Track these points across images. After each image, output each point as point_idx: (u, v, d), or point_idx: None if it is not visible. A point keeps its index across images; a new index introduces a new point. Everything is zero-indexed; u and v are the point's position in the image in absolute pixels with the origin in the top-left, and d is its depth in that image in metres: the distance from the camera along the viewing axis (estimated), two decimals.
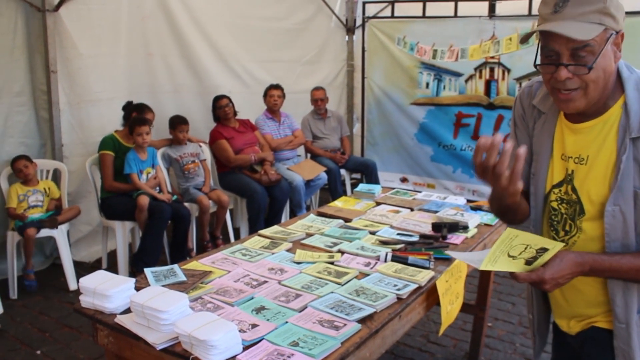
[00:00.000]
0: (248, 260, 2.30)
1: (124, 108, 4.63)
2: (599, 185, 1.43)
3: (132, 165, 4.30)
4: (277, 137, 5.64)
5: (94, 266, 4.59)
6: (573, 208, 1.49)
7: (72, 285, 4.17)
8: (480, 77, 6.08)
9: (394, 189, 3.66)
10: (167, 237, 4.53)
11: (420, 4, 6.24)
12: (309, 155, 6.16)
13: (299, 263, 2.26)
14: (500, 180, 1.31)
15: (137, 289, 1.87)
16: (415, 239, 2.55)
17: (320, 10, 6.71)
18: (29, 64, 4.37)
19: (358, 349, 1.66)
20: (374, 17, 6.67)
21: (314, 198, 5.99)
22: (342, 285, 2.04)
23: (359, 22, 6.94)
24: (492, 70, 6.00)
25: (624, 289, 1.43)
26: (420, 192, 3.58)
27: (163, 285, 1.92)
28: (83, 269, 4.41)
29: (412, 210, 3.10)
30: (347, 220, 2.90)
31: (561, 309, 1.62)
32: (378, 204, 3.24)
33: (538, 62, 1.40)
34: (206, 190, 4.84)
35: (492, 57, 5.88)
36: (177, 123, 4.84)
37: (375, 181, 5.94)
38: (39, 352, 3.33)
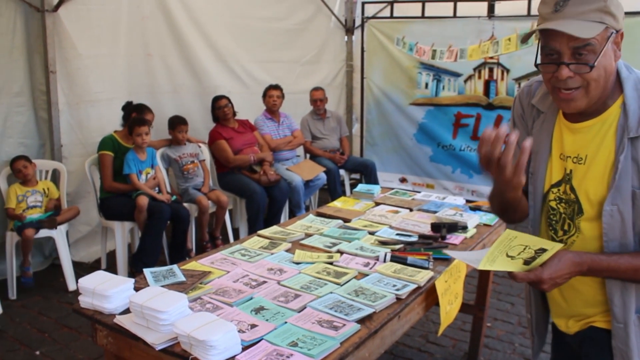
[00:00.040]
0: (247, 261, 2.30)
1: (124, 108, 4.63)
2: (597, 185, 1.43)
3: (132, 165, 4.30)
4: (277, 137, 5.64)
5: (93, 266, 4.59)
6: (572, 208, 1.49)
7: (71, 286, 4.17)
8: (480, 77, 6.08)
9: (393, 189, 3.67)
10: (166, 237, 4.53)
11: (420, 5, 6.25)
12: (308, 155, 6.16)
13: (298, 263, 2.27)
14: (505, 171, 1.31)
15: (136, 289, 1.87)
16: (415, 239, 2.55)
17: (319, 10, 6.71)
18: (28, 64, 4.37)
19: (357, 349, 1.66)
20: (373, 17, 6.67)
21: (313, 198, 5.99)
22: (341, 285, 2.04)
23: (358, 22, 6.95)
24: (491, 70, 6.00)
25: (622, 288, 1.43)
26: (419, 192, 3.58)
27: (162, 286, 1.92)
28: (82, 269, 4.41)
29: (411, 210, 3.11)
30: (346, 220, 2.90)
31: (559, 309, 1.62)
32: (377, 204, 3.24)
33: (538, 61, 1.40)
34: (205, 190, 4.84)
35: (491, 58, 5.89)
36: (177, 123, 4.84)
37: (375, 181, 5.94)
38: (38, 352, 3.33)
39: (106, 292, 1.80)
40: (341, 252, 2.40)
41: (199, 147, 5.08)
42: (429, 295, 2.13)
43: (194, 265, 2.25)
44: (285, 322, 1.74)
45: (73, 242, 4.65)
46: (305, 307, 1.85)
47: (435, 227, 2.68)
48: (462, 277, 2.36)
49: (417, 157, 6.61)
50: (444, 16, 6.11)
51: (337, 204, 3.27)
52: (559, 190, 1.53)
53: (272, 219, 5.01)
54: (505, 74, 5.92)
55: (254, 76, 6.11)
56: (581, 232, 1.48)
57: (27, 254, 4.10)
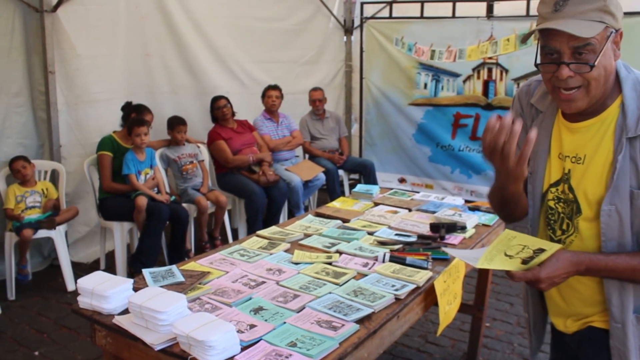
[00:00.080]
0: (246, 261, 2.30)
1: (123, 109, 4.63)
2: (595, 185, 1.43)
3: (131, 166, 4.30)
4: (275, 137, 5.64)
5: (92, 267, 4.59)
6: (570, 207, 1.49)
7: (70, 286, 4.17)
8: (478, 77, 6.09)
9: (392, 189, 3.67)
10: (165, 237, 4.53)
11: (418, 5, 6.25)
12: (307, 155, 6.16)
13: (297, 263, 2.27)
14: (508, 160, 1.32)
15: (135, 289, 1.87)
16: (413, 239, 2.56)
17: (318, 11, 6.71)
18: (27, 65, 4.37)
19: (356, 350, 1.66)
20: (372, 17, 6.67)
21: (312, 198, 5.98)
22: (340, 285, 2.04)
23: (357, 22, 6.94)
24: (490, 70, 6.01)
25: (620, 288, 1.43)
26: (418, 192, 3.58)
27: (161, 286, 1.92)
28: (81, 269, 4.40)
29: (410, 210, 3.11)
30: (345, 220, 2.90)
31: (557, 308, 1.62)
32: (376, 204, 3.24)
33: (538, 61, 1.41)
34: (204, 191, 4.84)
35: (490, 58, 5.90)
36: (175, 124, 4.84)
37: (374, 182, 5.94)
38: (36, 353, 3.32)
39: (105, 292, 1.80)
40: (340, 253, 2.40)
41: (198, 147, 5.08)
42: (428, 296, 2.13)
43: (192, 265, 2.25)
44: (284, 323, 1.75)
45: (72, 242, 4.65)
46: (304, 308, 1.85)
47: (434, 227, 2.68)
48: (461, 277, 2.36)
49: (416, 158, 6.61)
50: (443, 16, 6.11)
51: (336, 204, 3.27)
52: (557, 189, 1.53)
53: (271, 219, 5.01)
54: (504, 74, 5.92)
55: (253, 76, 6.11)
56: (579, 232, 1.48)
57: (24, 253, 4.11)
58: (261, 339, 1.64)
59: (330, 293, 1.96)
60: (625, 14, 1.42)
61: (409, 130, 6.57)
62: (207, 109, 5.30)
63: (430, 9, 6.21)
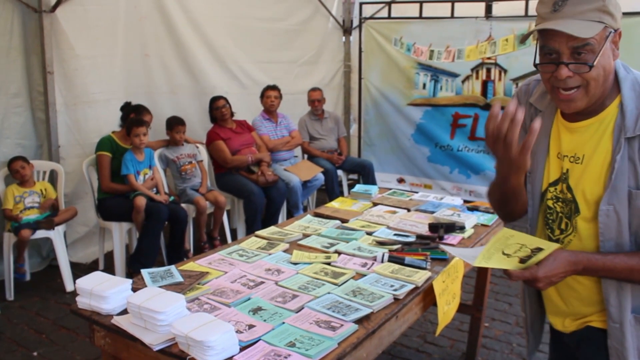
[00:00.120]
0: (245, 261, 2.30)
1: (122, 109, 4.63)
2: (593, 185, 1.44)
3: (129, 166, 4.30)
4: (274, 137, 5.64)
5: (91, 267, 4.59)
6: (569, 207, 1.49)
7: (69, 287, 4.16)
8: (477, 77, 6.09)
9: (390, 189, 3.67)
10: (164, 238, 4.53)
11: (417, 5, 6.25)
12: (305, 156, 6.16)
13: (295, 264, 2.27)
14: (511, 149, 1.31)
15: (134, 290, 1.87)
16: (412, 239, 2.56)
17: (317, 11, 6.71)
18: (26, 65, 4.36)
19: (355, 350, 1.66)
20: (371, 18, 6.68)
21: (311, 199, 5.99)
22: (339, 285, 2.04)
23: (355, 23, 6.94)
24: (488, 70, 6.01)
25: (618, 288, 1.43)
26: (417, 192, 3.58)
27: (160, 286, 1.92)
28: (80, 270, 4.40)
29: (408, 210, 3.11)
30: (344, 220, 2.90)
31: (555, 307, 1.62)
32: (375, 204, 3.24)
33: (537, 61, 1.41)
34: (203, 191, 4.84)
35: (489, 58, 5.90)
36: (174, 124, 4.84)
37: (372, 182, 5.94)
38: (35, 353, 3.32)
39: (104, 292, 1.80)
40: (339, 253, 2.40)
41: (197, 147, 5.07)
42: (427, 296, 2.13)
43: (191, 265, 2.25)
44: (283, 323, 1.75)
45: (71, 242, 4.64)
46: (303, 308, 1.85)
47: (433, 227, 2.68)
48: (459, 277, 2.36)
49: (414, 158, 6.61)
50: (442, 17, 6.11)
51: (335, 204, 3.27)
52: (556, 189, 1.53)
53: (269, 220, 5.01)
54: (502, 74, 5.92)
55: (251, 77, 6.10)
56: (578, 232, 1.48)
57: (22, 252, 4.11)
58: (260, 339, 1.64)
59: (329, 293, 1.96)
60: (624, 14, 1.42)
61: (408, 130, 6.57)
62: (206, 109, 5.29)
63: (429, 9, 6.21)
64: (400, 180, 6.78)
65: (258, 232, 2.71)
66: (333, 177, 5.79)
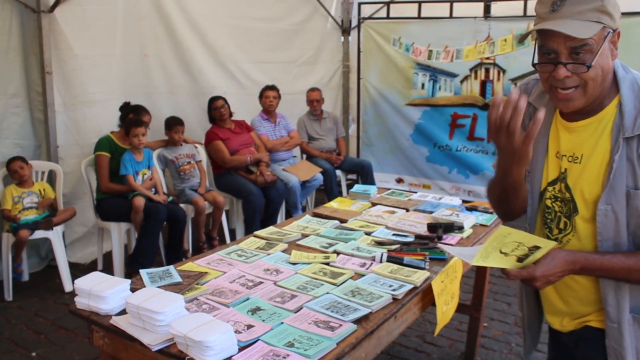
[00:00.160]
0: (244, 261, 2.30)
1: (121, 109, 4.63)
2: (592, 184, 1.44)
3: (128, 166, 4.30)
4: (273, 138, 5.64)
5: (90, 267, 4.58)
6: (567, 206, 1.50)
7: (68, 287, 4.16)
8: (476, 77, 6.09)
9: (389, 189, 3.67)
10: (162, 238, 4.52)
11: (416, 5, 6.25)
12: (304, 156, 6.16)
13: (294, 264, 2.27)
14: (514, 138, 1.30)
15: (133, 290, 1.87)
16: (411, 239, 2.56)
17: (316, 11, 6.71)
18: (24, 65, 4.36)
19: (354, 350, 1.66)
20: (370, 18, 6.68)
21: (310, 199, 5.98)
22: (338, 285, 2.04)
23: (354, 23, 6.94)
24: (487, 71, 6.01)
25: (616, 288, 1.43)
26: (415, 192, 3.59)
27: (158, 287, 1.92)
28: (78, 270, 4.39)
29: (407, 210, 3.11)
30: (342, 221, 2.90)
31: (553, 307, 1.62)
32: (374, 204, 3.25)
33: (536, 61, 1.41)
34: (202, 191, 4.84)
35: (488, 58, 5.90)
36: (173, 124, 4.83)
37: (371, 182, 5.94)
38: (34, 354, 3.32)
39: (102, 293, 1.80)
40: (337, 253, 2.40)
41: (196, 147, 5.07)
42: (426, 296, 2.13)
43: (190, 266, 2.25)
44: (282, 323, 1.75)
45: (69, 243, 4.64)
46: (301, 308, 1.85)
47: (432, 227, 2.68)
48: (458, 277, 2.37)
49: (413, 158, 6.61)
50: (440, 17, 6.11)
51: (334, 204, 3.27)
52: (554, 188, 1.53)
53: (268, 220, 5.01)
54: (501, 74, 5.93)
55: (250, 77, 6.10)
56: (577, 231, 1.48)
57: (19, 253, 4.11)
58: (259, 339, 1.64)
59: (327, 293, 1.96)
60: (624, 14, 1.43)
61: (407, 130, 6.58)
62: (205, 109, 5.29)
63: (428, 9, 6.22)
64: (399, 181, 6.79)
65: (257, 232, 2.71)
66: (332, 177, 5.79)
